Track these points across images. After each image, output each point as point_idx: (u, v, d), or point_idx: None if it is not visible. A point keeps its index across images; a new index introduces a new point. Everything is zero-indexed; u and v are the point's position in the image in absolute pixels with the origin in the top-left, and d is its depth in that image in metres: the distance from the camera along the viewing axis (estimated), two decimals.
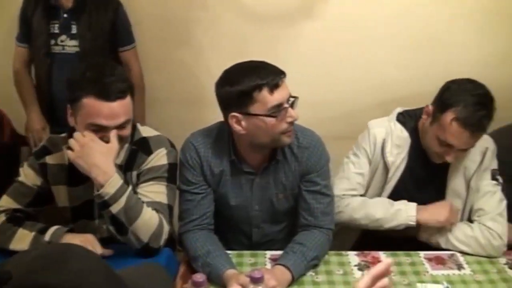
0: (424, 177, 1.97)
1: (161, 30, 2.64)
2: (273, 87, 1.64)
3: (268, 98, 1.65)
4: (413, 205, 1.93)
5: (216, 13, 2.60)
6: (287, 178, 1.86)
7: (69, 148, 1.65)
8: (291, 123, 1.71)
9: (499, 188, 1.92)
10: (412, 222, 1.90)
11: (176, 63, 2.70)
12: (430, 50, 2.63)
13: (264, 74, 1.65)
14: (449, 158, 1.86)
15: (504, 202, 1.91)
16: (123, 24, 2.55)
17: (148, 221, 1.68)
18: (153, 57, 2.67)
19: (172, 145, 1.87)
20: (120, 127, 1.66)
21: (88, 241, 1.68)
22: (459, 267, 1.83)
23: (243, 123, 1.70)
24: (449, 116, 1.77)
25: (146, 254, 1.68)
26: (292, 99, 1.71)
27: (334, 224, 1.91)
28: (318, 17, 2.58)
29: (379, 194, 2.00)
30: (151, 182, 1.77)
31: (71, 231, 1.73)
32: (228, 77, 1.72)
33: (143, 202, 1.70)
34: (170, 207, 1.79)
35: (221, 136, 1.84)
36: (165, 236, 1.73)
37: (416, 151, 1.95)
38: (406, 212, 1.91)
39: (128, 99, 1.67)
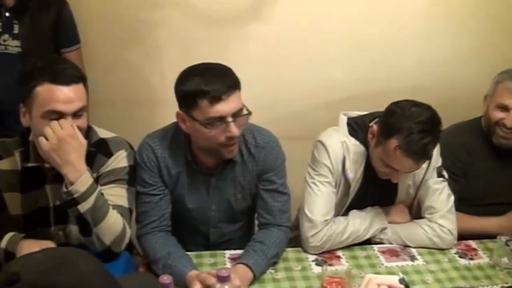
0: (377, 187, 1.99)
1: (111, 30, 2.58)
2: (214, 99, 1.60)
3: (207, 108, 1.62)
4: (379, 208, 2.00)
5: (165, 14, 2.57)
6: (245, 178, 1.87)
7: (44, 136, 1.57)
8: (230, 139, 1.68)
9: (445, 184, 2.00)
10: (385, 225, 1.98)
11: (126, 63, 2.64)
12: (375, 51, 2.70)
13: (211, 82, 1.60)
14: (394, 179, 1.89)
15: (452, 198, 1.99)
16: (67, 24, 2.44)
17: (113, 224, 1.64)
18: (103, 57, 2.61)
19: (131, 147, 1.83)
20: (76, 114, 1.60)
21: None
22: (412, 258, 1.91)
23: (187, 123, 1.70)
24: (393, 143, 1.74)
25: (106, 258, 1.63)
26: (245, 112, 1.67)
27: (291, 222, 1.94)
28: (267, 18, 2.60)
29: (341, 208, 2.00)
30: (112, 185, 1.72)
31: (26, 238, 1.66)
32: (183, 75, 1.69)
33: (109, 204, 1.66)
34: (131, 211, 1.76)
35: (177, 137, 1.82)
36: (127, 240, 1.70)
37: (370, 164, 1.94)
38: (378, 217, 1.98)
39: (82, 86, 1.62)
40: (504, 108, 2.09)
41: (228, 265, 1.82)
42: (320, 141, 1.95)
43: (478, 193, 2.17)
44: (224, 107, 1.62)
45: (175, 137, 1.83)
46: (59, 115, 1.57)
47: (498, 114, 2.10)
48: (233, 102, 1.63)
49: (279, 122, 2.45)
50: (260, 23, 2.61)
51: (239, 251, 1.84)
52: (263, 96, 2.65)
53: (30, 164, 1.69)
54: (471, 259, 1.92)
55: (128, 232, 1.70)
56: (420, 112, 1.74)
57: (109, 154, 1.76)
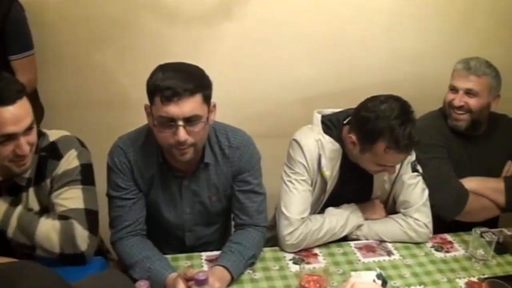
0: (353, 183, 2.00)
1: (82, 31, 2.53)
2: (165, 98, 1.56)
3: (159, 106, 1.58)
4: (354, 206, 2.01)
5: (137, 14, 2.54)
6: (219, 179, 1.84)
7: None
8: (180, 143, 1.62)
9: (420, 178, 2.02)
10: (362, 222, 1.99)
11: (98, 65, 2.60)
12: (344, 48, 2.71)
13: (168, 81, 1.56)
14: (390, 173, 1.95)
15: (426, 192, 2.01)
16: (16, 27, 2.24)
17: (48, 232, 1.60)
18: (74, 59, 2.56)
19: (83, 145, 1.76)
20: (28, 130, 1.55)
21: None
22: (389, 253, 1.92)
23: (150, 117, 1.67)
24: (381, 146, 1.77)
25: (71, 262, 1.61)
26: (203, 120, 1.62)
27: (267, 222, 1.93)
28: (237, 17, 2.59)
29: (318, 206, 2.01)
30: (65, 188, 1.67)
31: None
32: (155, 69, 1.65)
33: (36, 214, 1.63)
34: (87, 211, 1.68)
35: (149, 139, 1.78)
36: (81, 240, 1.63)
37: (345, 161, 1.95)
38: (354, 215, 1.98)
39: (26, 99, 1.55)
40: (454, 89, 2.21)
41: (205, 267, 1.80)
42: (295, 140, 1.96)
43: None
44: (174, 109, 1.57)
45: (147, 139, 1.79)
46: (10, 137, 1.51)
47: (450, 96, 2.23)
48: (186, 106, 1.57)
49: (251, 121, 2.44)
50: (231, 22, 2.60)
51: (216, 253, 1.83)
52: (235, 95, 2.64)
53: None
54: (447, 252, 1.95)
55: (79, 232, 1.63)
56: (390, 107, 1.78)
57: (59, 157, 1.69)
